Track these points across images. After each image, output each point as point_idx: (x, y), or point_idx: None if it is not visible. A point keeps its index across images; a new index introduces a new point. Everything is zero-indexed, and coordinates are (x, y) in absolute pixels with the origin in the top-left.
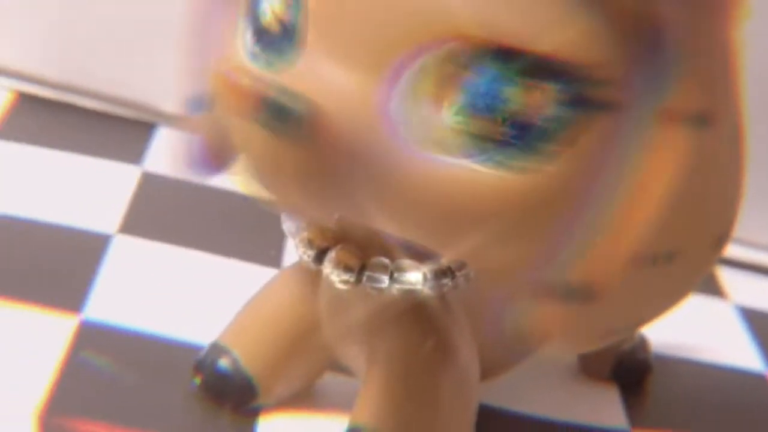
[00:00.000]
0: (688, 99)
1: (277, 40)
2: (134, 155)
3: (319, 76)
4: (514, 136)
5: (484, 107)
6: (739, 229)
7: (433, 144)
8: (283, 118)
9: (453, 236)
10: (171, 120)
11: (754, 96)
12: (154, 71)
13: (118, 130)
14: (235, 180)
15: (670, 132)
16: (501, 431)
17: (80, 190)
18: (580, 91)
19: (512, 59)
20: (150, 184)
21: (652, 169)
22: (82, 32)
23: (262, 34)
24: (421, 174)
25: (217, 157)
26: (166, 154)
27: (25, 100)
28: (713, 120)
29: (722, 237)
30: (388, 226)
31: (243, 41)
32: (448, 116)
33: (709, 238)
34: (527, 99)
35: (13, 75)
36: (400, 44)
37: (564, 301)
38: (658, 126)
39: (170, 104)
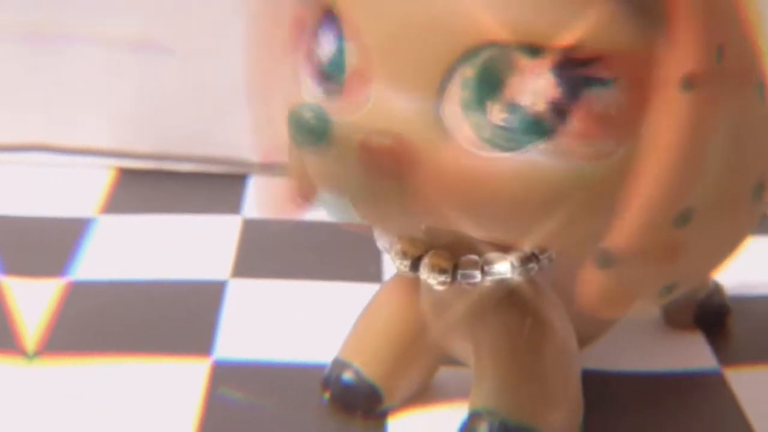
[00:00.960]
0: (698, 60)
1: (335, 80)
2: (233, 206)
3: (385, 105)
4: (557, 124)
5: (530, 102)
6: None
7: (493, 144)
8: (368, 152)
9: (527, 226)
10: (259, 168)
11: None
12: (237, 126)
13: (214, 187)
14: (324, 211)
15: (690, 95)
16: (606, 392)
17: (190, 246)
18: (614, 75)
19: (539, 54)
20: (251, 229)
21: (675, 132)
22: (163, 102)
23: (321, 79)
24: (487, 174)
25: (303, 195)
26: (260, 200)
27: (125, 175)
28: (737, 78)
29: (764, 183)
30: (470, 229)
31: (306, 89)
32: (498, 116)
33: (753, 185)
34: (567, 89)
35: (111, 154)
36: (445, 57)
37: (642, 262)
38: (678, 91)
39: (256, 154)
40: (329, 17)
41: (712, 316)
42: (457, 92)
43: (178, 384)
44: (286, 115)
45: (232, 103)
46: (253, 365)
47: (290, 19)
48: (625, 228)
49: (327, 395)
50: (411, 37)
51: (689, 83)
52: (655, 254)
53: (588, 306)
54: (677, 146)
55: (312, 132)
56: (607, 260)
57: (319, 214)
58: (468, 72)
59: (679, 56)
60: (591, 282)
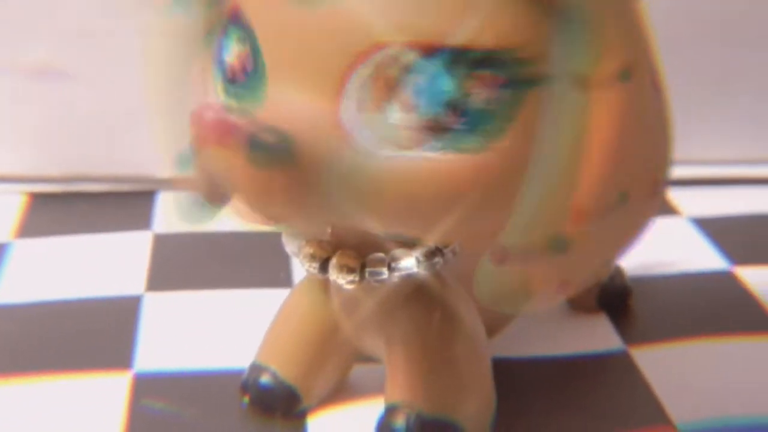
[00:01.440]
0: (609, 58)
1: (243, 83)
2: (143, 222)
3: (285, 106)
4: (459, 122)
5: (425, 101)
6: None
7: (392, 143)
8: (264, 150)
9: (429, 222)
10: (167, 183)
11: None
12: (141, 145)
13: (123, 205)
14: (233, 218)
15: (599, 90)
16: (515, 377)
17: (105, 264)
18: (508, 71)
19: (434, 54)
20: (163, 243)
21: (591, 127)
22: (69, 126)
23: (229, 82)
24: (388, 172)
25: (212, 202)
26: (170, 214)
27: (36, 200)
28: (635, 73)
29: (660, 177)
30: (373, 226)
31: (215, 93)
32: (397, 115)
33: (649, 180)
34: (461, 87)
35: (21, 180)
36: (340, 62)
37: (539, 257)
38: (587, 87)
39: (163, 170)
40: (234, 21)
41: (614, 298)
42: (355, 94)
43: (102, 398)
44: (189, 116)
45: (135, 123)
46: (173, 375)
47: (195, 27)
48: (522, 223)
49: (246, 399)
50: (308, 43)
51: (586, 81)
52: (604, 232)
53: (481, 298)
54: (573, 144)
55: (214, 128)
56: (503, 256)
57: (228, 224)
58: (364, 74)
59: (576, 55)
60: (487, 278)
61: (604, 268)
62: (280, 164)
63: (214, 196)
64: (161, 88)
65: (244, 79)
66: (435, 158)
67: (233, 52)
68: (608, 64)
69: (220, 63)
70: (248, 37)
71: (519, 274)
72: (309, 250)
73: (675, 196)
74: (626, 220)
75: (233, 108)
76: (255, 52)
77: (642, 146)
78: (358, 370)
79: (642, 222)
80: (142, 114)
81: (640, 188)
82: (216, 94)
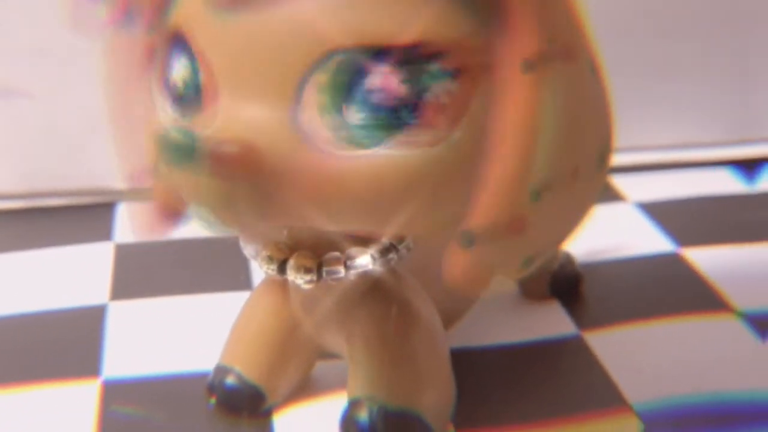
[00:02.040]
0: (543, 42)
1: (189, 100)
2: (104, 234)
3: (241, 117)
4: (409, 117)
5: (378, 100)
6: (620, 137)
7: (348, 143)
8: (225, 162)
9: (387, 217)
10: (125, 195)
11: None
12: (99, 157)
13: (83, 218)
14: (193, 226)
15: (540, 73)
16: (474, 366)
17: (68, 276)
18: (454, 64)
19: (384, 54)
20: (124, 253)
21: (521, 110)
22: (26, 142)
23: (176, 100)
24: (346, 172)
25: (170, 213)
26: (131, 223)
27: None
28: (570, 56)
29: (604, 152)
30: (333, 226)
31: (163, 111)
32: (353, 116)
33: (595, 155)
34: (411, 83)
35: None
36: (294, 70)
37: (502, 238)
38: (527, 71)
39: (121, 182)
40: (178, 42)
41: (566, 285)
42: (313, 98)
43: (72, 406)
44: (154, 139)
45: (92, 138)
46: (140, 380)
47: (141, 47)
48: (484, 207)
49: (213, 400)
50: (259, 54)
51: (530, 65)
52: (512, 229)
53: (454, 285)
54: (525, 124)
55: (181, 150)
56: (469, 239)
57: (187, 231)
58: (321, 79)
59: (519, 42)
60: (456, 262)
61: (560, 243)
62: (242, 175)
63: (171, 208)
64: (119, 101)
65: (189, 98)
66: (390, 155)
67: (178, 70)
68: (544, 46)
69: (166, 82)
70: (194, 55)
71: (486, 256)
72: (266, 252)
73: (620, 182)
74: (578, 194)
75: (186, 125)
76: (203, 70)
77: (586, 123)
78: (321, 367)
79: (591, 196)
80: (98, 128)
81: (587, 164)
82: (164, 112)
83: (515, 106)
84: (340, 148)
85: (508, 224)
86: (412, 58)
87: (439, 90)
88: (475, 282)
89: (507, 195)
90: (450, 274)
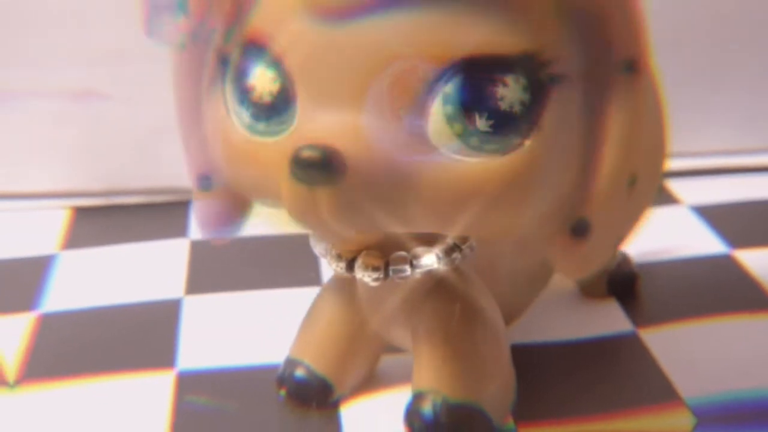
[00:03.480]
0: (618, 53)
1: (273, 108)
2: (180, 231)
3: (321, 124)
4: (485, 125)
5: (452, 108)
6: (675, 143)
7: (478, 150)
8: (309, 168)
9: (457, 220)
10: (192, 194)
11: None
12: (175, 157)
13: (161, 215)
14: (264, 224)
15: (613, 84)
16: (533, 362)
17: (146, 271)
18: (527, 74)
19: (508, 63)
20: (199, 250)
21: (609, 118)
22: (106, 143)
23: (258, 109)
24: (422, 178)
25: (234, 213)
26: (199, 222)
27: (80, 213)
28: (642, 65)
29: (662, 156)
30: (405, 229)
31: (238, 116)
32: (482, 124)
33: (651, 160)
34: (484, 92)
35: (64, 195)
36: (368, 77)
37: (574, 236)
38: (601, 82)
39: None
40: (255, 48)
41: (623, 284)
42: (440, 108)
43: (148, 396)
44: (291, 159)
45: (167, 137)
46: (214, 372)
47: (213, 53)
48: (595, 196)
49: (283, 392)
50: (338, 62)
51: (631, 67)
52: (617, 214)
53: (568, 272)
54: (629, 118)
55: (324, 169)
56: (583, 228)
57: (259, 229)
58: (448, 88)
59: (618, 46)
60: (570, 250)
61: (619, 246)
62: (325, 181)
63: (236, 207)
64: (187, 103)
65: (272, 101)
66: (464, 161)
67: (257, 75)
68: (618, 58)
69: (242, 86)
70: (273, 61)
71: (597, 241)
72: (336, 251)
73: (675, 186)
74: (637, 198)
75: (315, 140)
76: (282, 75)
77: (649, 134)
78: (387, 361)
79: (650, 198)
80: (174, 129)
81: (646, 168)
82: (238, 117)
83: (619, 105)
84: (467, 155)
85: (613, 210)
86: (482, 66)
87: (509, 98)
88: (587, 266)
89: (616, 185)
90: (564, 262)
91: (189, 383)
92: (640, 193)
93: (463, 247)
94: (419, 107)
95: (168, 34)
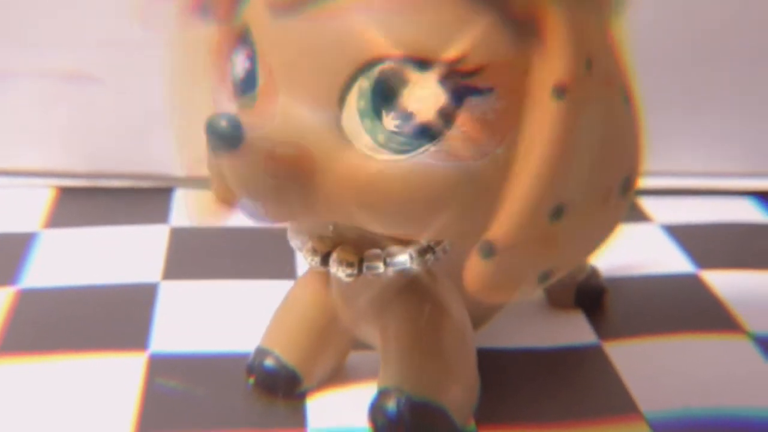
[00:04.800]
0: (568, 68)
1: (246, 94)
2: (161, 217)
3: (290, 117)
4: (444, 129)
5: (421, 109)
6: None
7: (385, 148)
8: (277, 160)
9: (422, 222)
10: (183, 181)
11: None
12: (161, 145)
13: (143, 200)
14: (243, 216)
15: (559, 102)
16: (498, 366)
17: (125, 254)
18: (449, 81)
19: (427, 67)
20: (178, 236)
21: (547, 134)
22: (94, 126)
23: (237, 94)
24: (386, 176)
25: (224, 202)
26: (186, 211)
27: (64, 194)
28: (606, 82)
29: (631, 177)
30: (370, 226)
31: (224, 105)
32: (391, 123)
33: (621, 180)
34: (453, 97)
35: (50, 174)
36: (340, 74)
37: (480, 256)
38: (548, 97)
39: (180, 169)
40: (242, 40)
41: (590, 297)
42: (355, 102)
43: (120, 376)
44: (204, 124)
45: (155, 125)
46: (185, 357)
47: (207, 43)
48: (505, 221)
49: (251, 380)
50: (310, 57)
51: (560, 91)
52: (531, 245)
53: (474, 292)
54: (550, 148)
55: (226, 138)
56: (489, 251)
57: (238, 220)
58: (364, 84)
59: (551, 67)
60: (475, 271)
61: (580, 261)
62: (293, 174)
63: (227, 199)
64: (179, 93)
65: (248, 90)
66: (429, 163)
67: (240, 67)
68: (549, 79)
69: (229, 76)
70: (252, 53)
71: (503, 267)
72: (311, 245)
73: (647, 204)
74: (602, 216)
75: (246, 119)
76: (255, 67)
77: (616, 148)
78: (355, 356)
79: (615, 219)
80: (161, 117)
81: (614, 187)
82: (224, 106)
83: (541, 128)
84: (378, 152)
85: (525, 240)
86: (453, 73)
87: (480, 106)
88: (492, 291)
89: (526, 213)
90: (469, 281)
91: (160, 366)
92: (572, 226)
93: (437, 249)
94: (338, 99)
95: (161, 20)
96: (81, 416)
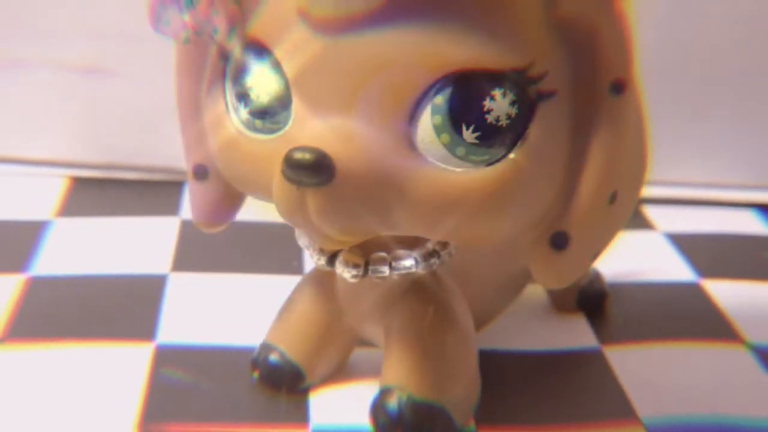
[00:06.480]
0: (607, 72)
1: (270, 108)
2: (172, 209)
3: (314, 127)
4: (478, 138)
5: (444, 121)
6: (655, 171)
7: (464, 161)
8: (300, 171)
9: (443, 225)
10: (189, 180)
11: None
12: (173, 139)
13: (155, 192)
14: (259, 211)
15: (599, 102)
16: (499, 368)
17: (135, 245)
18: (519, 90)
19: (499, 77)
20: (188, 229)
21: (596, 136)
22: (109, 118)
23: (255, 108)
24: (461, 188)
25: (227, 203)
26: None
27: (77, 184)
28: (629, 87)
29: (641, 178)
30: (391, 232)
31: (234, 112)
32: (469, 135)
33: (632, 178)
34: (477, 106)
35: (65, 164)
36: (409, 90)
37: (553, 248)
38: (608, 95)
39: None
40: (256, 49)
41: (592, 301)
42: (429, 119)
43: (126, 365)
44: (284, 160)
45: (169, 119)
46: (191, 349)
47: (216, 49)
48: (578, 211)
49: (256, 374)
50: (376, 76)
51: (619, 87)
52: (596, 228)
53: (546, 284)
54: (616, 138)
55: (316, 172)
56: (562, 241)
57: (248, 216)
58: (438, 100)
59: (608, 65)
60: (548, 263)
61: (594, 261)
62: (314, 183)
63: (229, 198)
64: (186, 94)
65: (270, 102)
66: (450, 170)
67: (257, 75)
68: (605, 78)
69: (241, 85)
70: (274, 64)
71: (575, 254)
72: (318, 245)
73: (651, 213)
74: (613, 215)
75: (327, 149)
76: (282, 78)
77: (631, 152)
78: (358, 354)
79: (625, 216)
80: (175, 111)
81: (625, 185)
82: (235, 113)
83: (606, 122)
84: (455, 165)
85: (592, 225)
86: (525, 80)
87: (548, 110)
88: (566, 278)
89: (597, 202)
90: (542, 274)
91: (166, 357)
92: (620, 209)
93: (443, 252)
94: (409, 116)
95: (173, 28)
96: (87, 404)
